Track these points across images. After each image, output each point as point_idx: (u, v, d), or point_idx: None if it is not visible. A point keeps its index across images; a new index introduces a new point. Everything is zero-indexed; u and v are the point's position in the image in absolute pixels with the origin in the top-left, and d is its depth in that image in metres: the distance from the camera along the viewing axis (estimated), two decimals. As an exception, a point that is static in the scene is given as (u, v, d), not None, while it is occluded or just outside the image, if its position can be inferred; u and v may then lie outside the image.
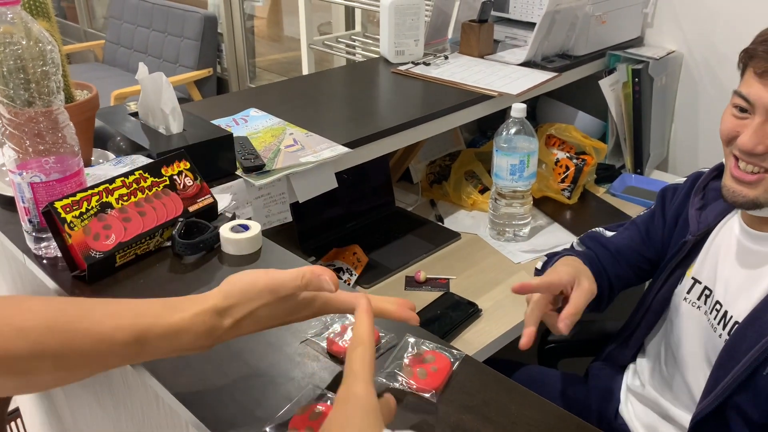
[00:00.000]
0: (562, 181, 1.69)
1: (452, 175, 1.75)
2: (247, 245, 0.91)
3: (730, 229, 0.98)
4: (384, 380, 0.69)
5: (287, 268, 0.89)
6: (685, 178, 1.13)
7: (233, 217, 0.99)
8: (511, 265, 1.46)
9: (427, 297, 1.33)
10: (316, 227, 1.54)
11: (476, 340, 1.23)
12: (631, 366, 1.17)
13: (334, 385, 0.69)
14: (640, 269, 1.15)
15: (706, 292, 1.00)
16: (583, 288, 0.94)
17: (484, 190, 1.72)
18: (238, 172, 1.14)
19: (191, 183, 0.96)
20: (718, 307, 0.96)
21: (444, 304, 1.30)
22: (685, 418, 0.99)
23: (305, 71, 2.63)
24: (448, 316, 1.26)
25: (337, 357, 0.73)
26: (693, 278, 1.02)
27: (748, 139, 0.86)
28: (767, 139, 0.86)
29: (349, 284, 1.34)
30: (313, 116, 1.41)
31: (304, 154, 1.20)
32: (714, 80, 1.78)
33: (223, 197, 1.06)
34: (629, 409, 1.14)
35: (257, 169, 1.14)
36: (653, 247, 1.13)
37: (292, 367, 0.72)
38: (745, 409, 0.89)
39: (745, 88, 0.89)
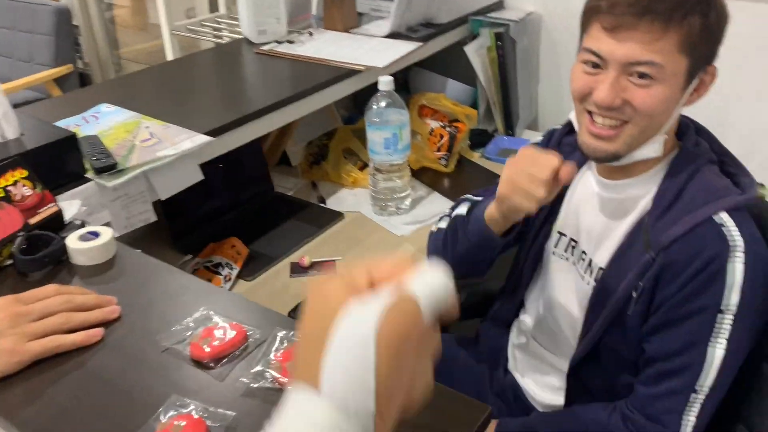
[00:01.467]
0: (438, 150, 1.71)
1: (330, 153, 1.72)
2: (98, 254, 0.85)
3: (587, 181, 1.02)
4: (249, 381, 0.66)
5: (145, 275, 0.85)
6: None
7: (83, 225, 0.91)
8: (395, 238, 1.46)
9: (313, 282, 1.30)
10: (191, 223, 1.47)
11: (365, 318, 1.22)
12: (516, 322, 1.20)
13: (198, 393, 0.66)
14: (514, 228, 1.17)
15: (572, 243, 1.03)
16: None
17: (363, 167, 1.70)
18: (89, 175, 1.05)
19: (30, 192, 0.88)
20: (583, 256, 1.00)
21: (330, 287, 1.28)
22: (566, 365, 1.03)
23: (169, 59, 2.49)
24: (335, 298, 1.24)
25: (201, 363, 0.69)
26: (559, 232, 1.06)
27: (606, 94, 0.87)
28: (623, 93, 0.87)
29: (229, 280, 1.29)
30: (172, 106, 1.33)
31: (161, 148, 1.13)
32: (572, 38, 1.81)
33: (72, 204, 0.97)
34: (517, 364, 1.18)
35: (109, 169, 1.06)
36: None
37: (153, 378, 0.67)
38: (617, 347, 0.94)
39: (594, 43, 0.89)
